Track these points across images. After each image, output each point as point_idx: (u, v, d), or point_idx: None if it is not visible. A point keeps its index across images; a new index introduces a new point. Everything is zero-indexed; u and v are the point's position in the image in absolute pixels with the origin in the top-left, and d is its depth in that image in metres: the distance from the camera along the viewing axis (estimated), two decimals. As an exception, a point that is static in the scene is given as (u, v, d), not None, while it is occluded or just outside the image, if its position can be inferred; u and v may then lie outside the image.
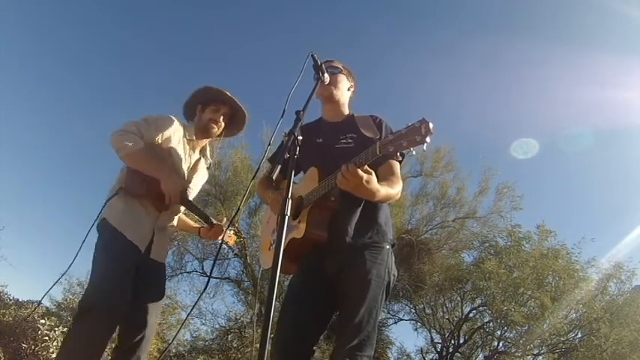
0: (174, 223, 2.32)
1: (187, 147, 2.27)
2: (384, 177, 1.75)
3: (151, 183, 2.07)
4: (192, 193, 2.30)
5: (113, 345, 2.10)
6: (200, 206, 2.32)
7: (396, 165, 1.83)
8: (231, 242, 2.46)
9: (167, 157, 2.15)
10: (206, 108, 2.30)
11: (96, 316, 1.83)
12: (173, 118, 2.24)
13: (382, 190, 1.62)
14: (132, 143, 2.02)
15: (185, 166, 2.25)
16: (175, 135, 2.21)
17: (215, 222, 2.30)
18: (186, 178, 2.25)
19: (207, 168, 2.42)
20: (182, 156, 2.22)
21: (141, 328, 2.03)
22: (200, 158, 2.36)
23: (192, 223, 2.48)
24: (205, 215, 2.29)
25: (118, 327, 2.04)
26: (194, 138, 2.28)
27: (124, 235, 2.01)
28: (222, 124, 2.31)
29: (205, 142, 2.37)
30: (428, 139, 1.34)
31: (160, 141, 2.15)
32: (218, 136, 2.36)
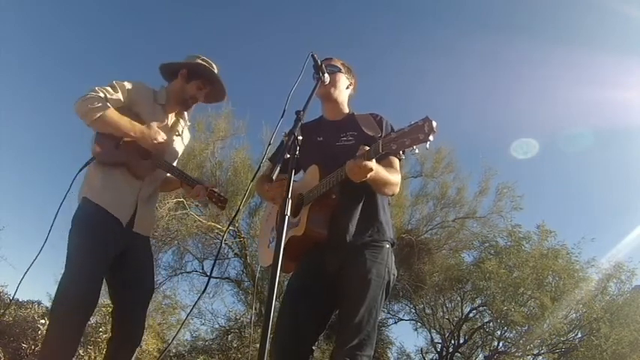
0: (158, 189, 2.23)
1: (159, 110, 2.18)
2: None
3: (125, 147, 1.99)
4: (172, 154, 2.22)
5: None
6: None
7: (395, 160, 1.84)
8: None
9: (139, 117, 2.06)
10: (191, 80, 2.20)
11: (69, 317, 1.79)
12: (142, 82, 2.18)
13: (389, 177, 1.72)
14: (97, 106, 1.91)
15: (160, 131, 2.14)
16: (145, 98, 2.14)
17: (196, 180, 2.17)
18: (163, 142, 2.12)
19: (178, 136, 2.29)
20: (156, 120, 2.13)
21: (132, 318, 2.01)
22: (177, 120, 2.27)
23: (172, 181, 2.33)
24: (186, 176, 2.18)
25: (111, 319, 2.04)
26: (164, 103, 2.19)
27: (106, 209, 1.93)
28: (201, 101, 2.26)
29: (177, 110, 2.28)
30: (431, 138, 1.35)
31: (128, 103, 2.07)
32: None
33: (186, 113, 2.33)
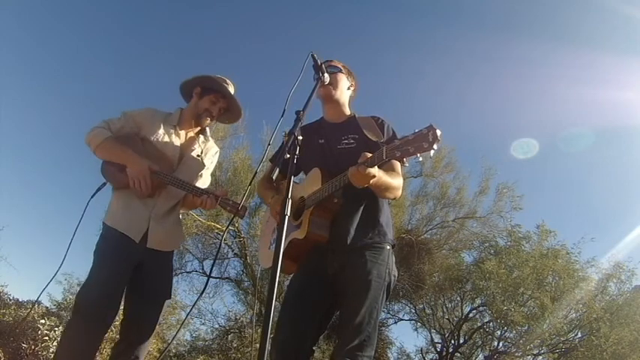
0: (178, 206, 2.23)
1: (171, 131, 2.21)
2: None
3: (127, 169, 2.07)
4: (187, 172, 2.19)
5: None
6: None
7: (398, 164, 1.83)
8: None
9: (142, 142, 2.14)
10: (204, 95, 2.27)
11: (82, 321, 1.89)
12: (152, 108, 2.26)
13: (391, 182, 1.71)
14: (98, 137, 2.08)
15: (171, 149, 2.18)
16: (152, 122, 2.20)
17: (204, 191, 2.10)
18: (175, 159, 2.17)
19: (199, 155, 2.28)
20: (165, 139, 2.18)
21: (139, 326, 2.04)
22: (195, 138, 2.29)
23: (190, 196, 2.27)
24: (193, 187, 2.12)
25: (120, 324, 2.09)
26: (176, 124, 2.24)
27: (117, 229, 2.02)
28: (216, 116, 2.30)
29: (197, 129, 2.32)
30: (435, 147, 1.33)
31: (136, 129, 2.17)
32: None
33: (208, 129, 2.37)
